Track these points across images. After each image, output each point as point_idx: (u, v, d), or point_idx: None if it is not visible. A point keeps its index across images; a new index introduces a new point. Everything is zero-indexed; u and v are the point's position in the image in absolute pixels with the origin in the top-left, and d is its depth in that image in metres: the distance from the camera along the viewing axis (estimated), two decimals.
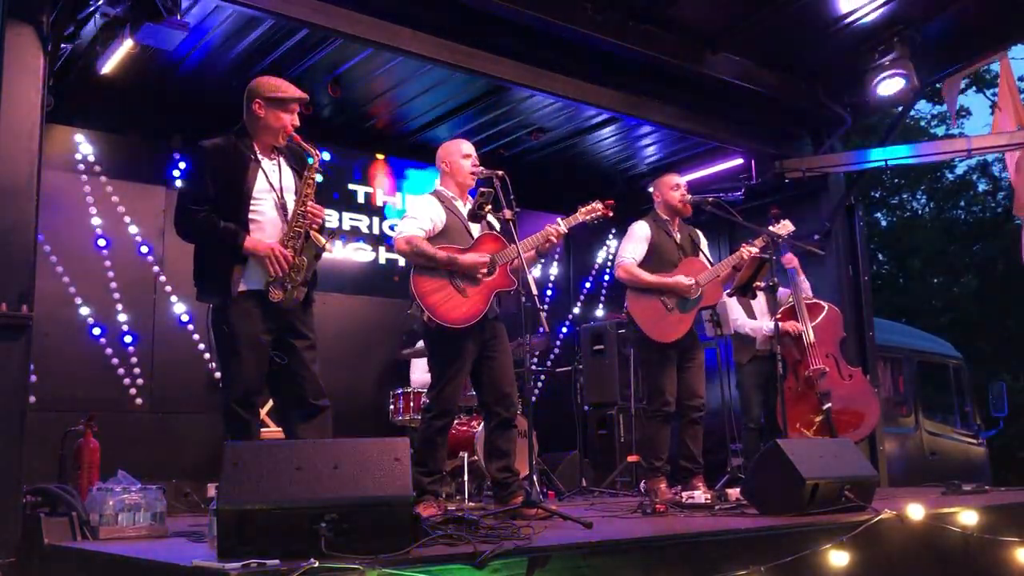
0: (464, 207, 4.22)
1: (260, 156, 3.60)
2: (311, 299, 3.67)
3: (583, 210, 4.35)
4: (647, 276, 4.81)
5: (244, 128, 3.63)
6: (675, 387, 4.82)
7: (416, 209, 4.17)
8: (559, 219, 4.22)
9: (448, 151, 4.31)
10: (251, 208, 3.51)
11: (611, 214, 4.38)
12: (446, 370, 4.04)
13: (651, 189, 5.17)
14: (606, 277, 8.11)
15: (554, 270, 8.06)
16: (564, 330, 7.86)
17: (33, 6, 3.71)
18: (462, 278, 4.03)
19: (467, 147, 4.29)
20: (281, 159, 3.69)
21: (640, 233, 4.93)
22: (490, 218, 4.23)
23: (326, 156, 3.70)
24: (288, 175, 3.67)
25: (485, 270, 4.04)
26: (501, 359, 4.13)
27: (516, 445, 4.22)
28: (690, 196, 5.08)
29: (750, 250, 4.88)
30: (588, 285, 8.17)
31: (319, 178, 3.73)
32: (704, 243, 5.14)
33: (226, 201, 3.48)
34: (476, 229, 4.21)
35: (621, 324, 6.77)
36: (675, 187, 5.02)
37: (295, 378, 3.57)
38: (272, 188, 3.58)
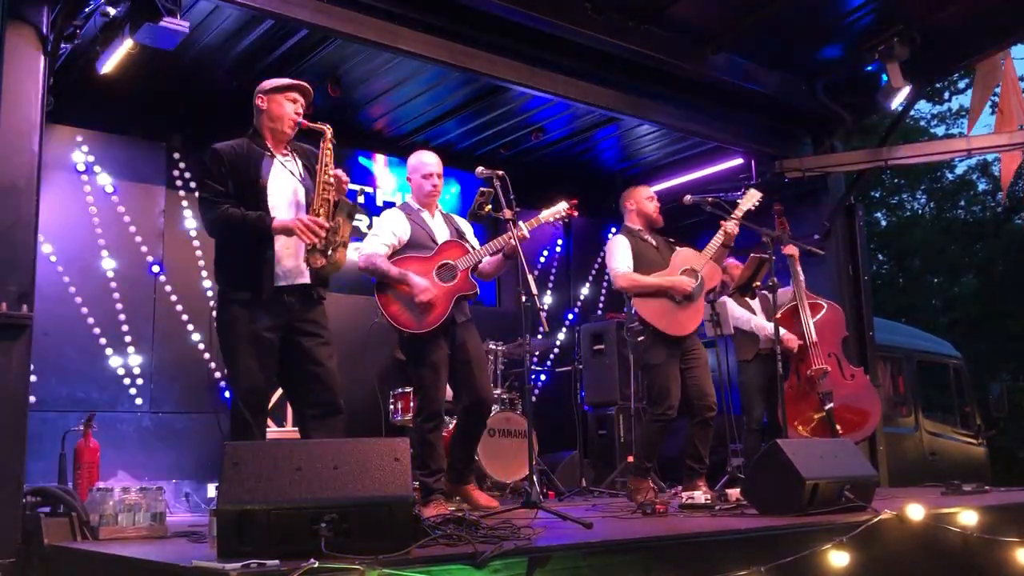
0: (430, 218, 4.41)
1: (273, 151, 3.64)
2: (316, 296, 3.66)
3: (547, 212, 4.46)
4: (648, 279, 4.80)
5: (256, 131, 3.69)
6: (679, 391, 4.79)
7: (380, 226, 4.34)
8: (521, 222, 4.20)
9: (412, 167, 4.46)
10: (267, 199, 3.54)
11: (575, 214, 4.49)
12: (424, 373, 4.19)
13: (623, 201, 5.14)
14: (606, 279, 8.11)
15: (554, 270, 8.06)
16: (564, 329, 7.86)
17: (33, 6, 3.71)
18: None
19: (430, 166, 4.38)
20: (295, 155, 3.74)
21: (620, 246, 4.93)
22: (461, 225, 4.45)
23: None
24: (302, 169, 3.72)
25: (427, 296, 4.12)
26: (474, 363, 4.26)
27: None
28: (690, 196, 5.12)
29: (734, 222, 4.92)
30: (587, 286, 8.16)
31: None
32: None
33: (243, 196, 3.51)
34: (441, 237, 4.36)
35: (621, 324, 6.76)
36: (651, 198, 5.10)
37: (305, 377, 3.60)
38: (290, 175, 3.64)
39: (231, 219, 3.44)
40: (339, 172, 3.62)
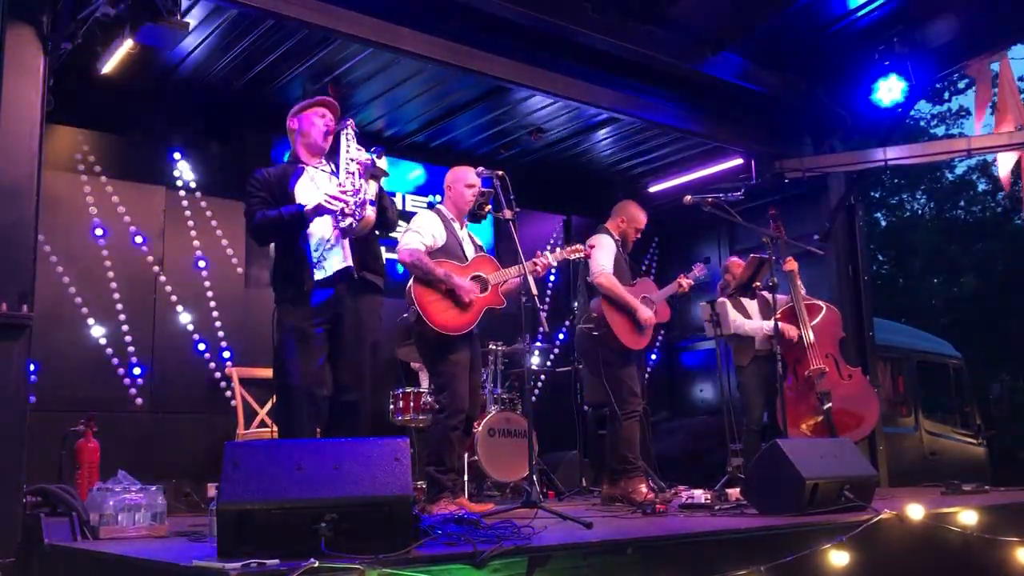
0: (459, 229, 4.51)
1: (307, 165, 3.85)
2: (360, 279, 3.75)
3: (568, 249, 4.80)
4: (625, 293, 4.97)
5: (292, 153, 3.95)
6: (639, 385, 5.03)
7: (420, 224, 4.41)
8: (547, 252, 4.58)
9: (456, 177, 4.56)
10: (296, 201, 3.71)
11: (590, 255, 4.87)
12: (453, 372, 4.25)
13: (617, 213, 5.27)
14: None
15: (553, 270, 8.05)
16: (564, 330, 7.86)
17: (33, 6, 3.71)
18: (456, 295, 4.28)
19: (473, 178, 4.49)
20: (329, 163, 3.91)
21: (609, 247, 5.10)
22: (479, 242, 4.64)
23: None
24: (334, 168, 3.86)
25: (473, 296, 4.30)
26: (475, 378, 4.45)
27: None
28: (690, 196, 5.16)
29: (689, 280, 5.30)
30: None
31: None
32: None
33: (278, 204, 3.72)
34: (471, 250, 4.49)
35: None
36: (640, 230, 5.29)
37: (333, 373, 3.72)
38: (321, 174, 3.82)
39: (268, 218, 3.66)
40: (360, 149, 3.79)
